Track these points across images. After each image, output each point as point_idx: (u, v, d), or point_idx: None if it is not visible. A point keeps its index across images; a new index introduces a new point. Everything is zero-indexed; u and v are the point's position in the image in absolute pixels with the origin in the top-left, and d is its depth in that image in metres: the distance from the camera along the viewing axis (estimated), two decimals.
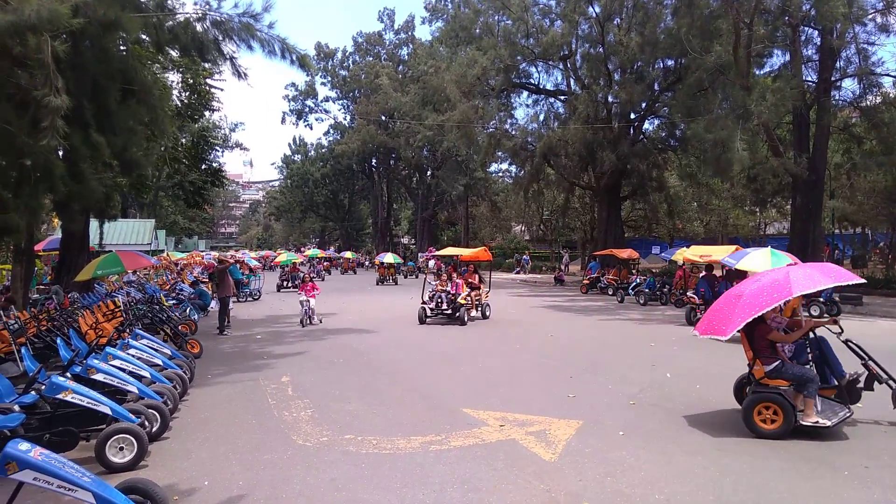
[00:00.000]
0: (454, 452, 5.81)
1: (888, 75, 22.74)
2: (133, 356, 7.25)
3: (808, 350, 6.77)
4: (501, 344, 12.59)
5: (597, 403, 7.63)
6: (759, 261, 12.99)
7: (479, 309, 16.65)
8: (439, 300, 15.63)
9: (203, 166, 32.25)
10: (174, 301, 16.14)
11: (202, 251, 56.35)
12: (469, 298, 16.03)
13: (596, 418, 6.90)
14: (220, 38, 12.01)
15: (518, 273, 42.87)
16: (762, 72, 25.67)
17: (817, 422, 6.11)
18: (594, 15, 30.15)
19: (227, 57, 12.20)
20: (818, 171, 22.65)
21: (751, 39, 20.28)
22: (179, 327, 11.96)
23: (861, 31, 21.78)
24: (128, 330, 9.01)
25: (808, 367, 6.58)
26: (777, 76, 24.06)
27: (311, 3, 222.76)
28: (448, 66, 37.52)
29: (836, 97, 23.63)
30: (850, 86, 23.95)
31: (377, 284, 33.22)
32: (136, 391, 6.32)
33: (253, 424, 6.88)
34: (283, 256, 37.65)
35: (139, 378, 6.71)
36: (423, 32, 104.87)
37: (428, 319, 15.56)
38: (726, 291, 7.40)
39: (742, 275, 14.96)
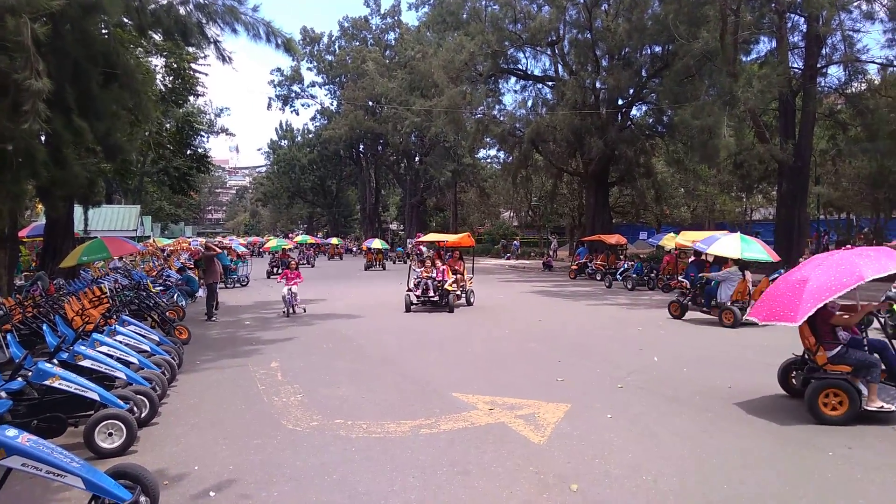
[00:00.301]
0: (444, 436, 5.84)
1: (873, 62, 22.95)
2: (120, 342, 7.20)
3: (865, 334, 6.63)
4: (490, 329, 12.65)
5: (585, 387, 7.70)
6: (729, 246, 13.32)
7: (464, 295, 16.62)
8: (425, 287, 15.44)
9: (188, 152, 31.90)
10: (161, 287, 16.01)
11: (189, 237, 55.96)
12: (455, 285, 15.88)
13: (584, 402, 6.97)
14: (204, 21, 11.85)
15: (508, 258, 42.98)
16: (749, 58, 25.78)
17: (882, 406, 6.06)
18: (582, 1, 30.03)
19: (211, 40, 12.04)
20: (804, 157, 22.85)
21: (737, 26, 20.34)
22: (167, 313, 11.88)
23: (847, 18, 21.95)
24: (115, 316, 8.94)
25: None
26: (763, 63, 24.15)
27: None
28: (435, 51, 37.30)
29: (822, 84, 23.81)
30: (835, 73, 24.15)
31: (365, 270, 33.69)
32: (125, 377, 6.29)
33: (242, 410, 6.88)
34: (273, 242, 36.84)
35: (127, 364, 6.66)
36: (410, 18, 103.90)
37: (413, 307, 15.36)
38: (783, 276, 7.31)
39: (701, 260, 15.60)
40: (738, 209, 42.23)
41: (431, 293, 15.40)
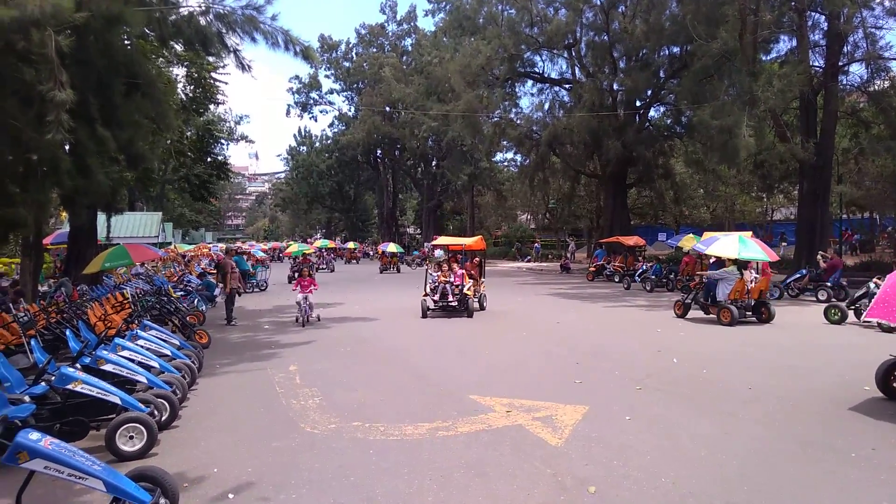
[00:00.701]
0: (461, 438, 5.85)
1: None
2: (142, 347, 7.31)
3: None
4: (507, 331, 12.62)
5: (603, 389, 7.66)
6: (728, 247, 13.56)
7: (478, 300, 16.26)
8: (444, 291, 15.03)
9: (208, 159, 32.34)
10: (182, 292, 16.24)
11: (209, 243, 56.58)
12: (472, 289, 15.57)
13: (602, 403, 6.93)
14: (224, 30, 12.00)
15: (528, 261, 42.77)
16: (768, 58, 25.48)
17: None
18: (598, 3, 29.96)
19: (231, 49, 12.18)
20: (826, 156, 22.51)
21: (757, 25, 20.14)
22: (187, 318, 12.03)
23: (869, 15, 21.60)
24: (136, 321, 9.09)
25: None
26: (784, 62, 23.88)
27: None
28: (452, 56, 37.43)
29: (844, 82, 23.44)
30: (857, 70, 23.73)
31: (380, 273, 34.33)
32: (146, 381, 6.39)
33: (261, 413, 6.94)
34: (294, 247, 35.42)
35: (148, 368, 6.77)
36: (426, 24, 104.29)
37: (430, 312, 15.03)
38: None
39: (722, 261, 15.26)
40: (759, 209, 41.71)
41: (451, 298, 15.01)
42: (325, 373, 8.92)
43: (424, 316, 14.88)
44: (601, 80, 30.80)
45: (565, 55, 33.75)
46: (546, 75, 35.46)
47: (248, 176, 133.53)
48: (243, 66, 12.25)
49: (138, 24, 10.68)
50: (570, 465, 5.11)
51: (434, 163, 58.79)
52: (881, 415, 6.37)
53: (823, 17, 22.61)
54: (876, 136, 23.71)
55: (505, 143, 38.51)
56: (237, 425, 6.48)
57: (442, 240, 18.24)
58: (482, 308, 16.27)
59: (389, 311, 16.31)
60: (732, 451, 5.37)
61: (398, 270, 35.71)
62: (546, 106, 35.51)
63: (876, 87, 23.22)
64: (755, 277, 13.58)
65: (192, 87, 25.57)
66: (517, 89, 38.05)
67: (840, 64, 22.45)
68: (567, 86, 34.61)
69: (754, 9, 19.95)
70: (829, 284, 16.75)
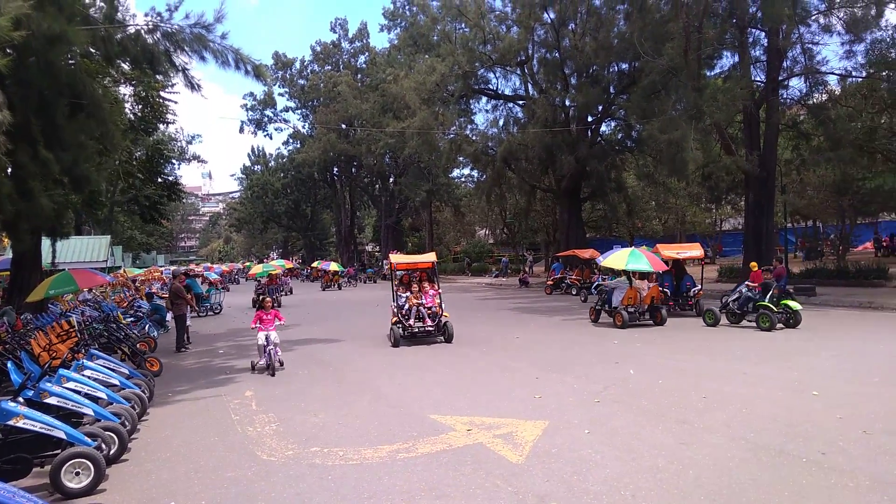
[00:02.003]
0: (422, 459, 5.79)
1: (832, 73, 23.55)
2: (88, 377, 7.04)
3: None
4: (467, 348, 12.60)
5: (563, 403, 7.70)
6: (618, 259, 15.53)
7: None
8: (419, 315, 13.42)
9: (159, 180, 31.57)
10: (132, 318, 15.73)
11: (161, 266, 55.13)
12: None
13: (562, 418, 6.97)
14: (172, 49, 11.83)
15: (497, 276, 42.82)
16: (713, 73, 26.32)
17: None
18: (549, 21, 30.57)
19: (180, 68, 12.02)
20: (769, 167, 23.32)
21: (700, 42, 20.83)
22: (138, 345, 11.66)
23: (805, 31, 22.51)
24: (83, 350, 8.74)
25: None
26: (727, 77, 24.69)
27: (270, 14, 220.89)
28: (406, 73, 37.59)
29: (784, 96, 24.35)
30: (796, 84, 24.69)
31: (322, 290, 36.80)
32: (92, 413, 6.14)
33: (215, 441, 6.74)
34: (259, 268, 31.80)
35: (95, 400, 6.52)
36: (377, 42, 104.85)
37: (403, 341, 13.23)
38: None
39: (680, 267, 17.63)
40: (708, 220, 42.96)
41: (429, 322, 13.40)
42: (283, 398, 8.74)
43: (396, 345, 12.99)
44: (553, 96, 31.36)
45: (518, 72, 34.29)
46: (500, 92, 35.96)
47: (201, 196, 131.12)
48: (192, 85, 12.08)
49: (82, 44, 10.43)
50: (531, 482, 5.11)
51: (392, 179, 58.79)
52: (828, 419, 6.58)
53: (763, 34, 23.51)
54: (816, 148, 24.67)
55: (461, 159, 38.77)
56: (190, 456, 6.27)
57: (397, 257, 16.63)
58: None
59: (350, 332, 16.14)
60: (689, 461, 5.46)
61: (339, 287, 38.22)
62: (501, 122, 35.99)
63: (814, 101, 24.21)
64: (649, 285, 15.48)
65: (140, 107, 25.00)
66: (472, 106, 38.49)
67: (780, 78, 23.35)
68: (521, 102, 35.13)
69: (698, 26, 20.65)
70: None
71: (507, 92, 35.98)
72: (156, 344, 13.66)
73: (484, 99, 37.40)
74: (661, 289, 16.79)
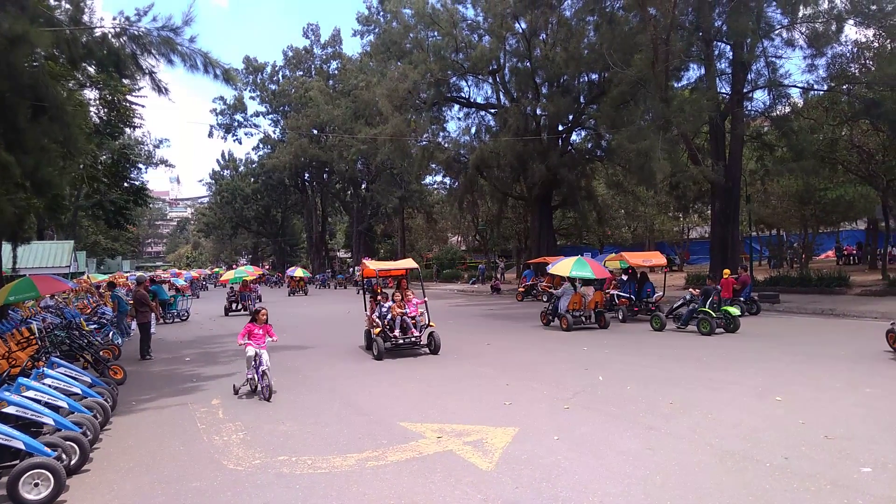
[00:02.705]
0: (391, 468, 5.76)
1: (795, 86, 24.21)
2: (49, 386, 6.84)
3: None
4: (440, 355, 12.58)
5: (532, 410, 7.74)
6: (564, 267, 16.59)
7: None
8: (404, 325, 12.65)
9: (125, 185, 30.93)
10: (96, 325, 15.36)
11: (126, 272, 53.97)
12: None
13: (532, 424, 7.00)
14: (139, 52, 11.60)
15: (474, 283, 42.86)
16: (680, 84, 26.84)
17: None
18: (521, 31, 30.87)
19: (147, 72, 11.78)
20: (734, 177, 23.84)
21: (668, 54, 21.22)
22: (101, 353, 11.39)
23: (769, 45, 23.12)
24: (43, 358, 8.51)
25: None
26: (694, 88, 25.20)
27: (241, 18, 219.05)
28: (379, 80, 37.57)
29: (749, 108, 24.93)
30: (761, 97, 25.33)
31: (289, 296, 38.23)
32: (53, 423, 5.97)
33: (180, 451, 6.61)
34: (231, 273, 29.53)
35: (56, 409, 6.34)
36: (351, 47, 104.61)
37: (385, 354, 12.30)
38: None
39: (634, 276, 18.56)
40: (676, 228, 43.68)
41: (415, 333, 12.73)
42: (250, 406, 8.62)
43: (380, 358, 12.04)
44: (525, 105, 31.64)
45: (490, 81, 34.51)
46: (472, 100, 36.17)
47: (168, 201, 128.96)
48: (160, 89, 11.87)
49: (45, 45, 10.18)
50: (501, 490, 5.12)
51: (364, 186, 58.58)
52: (790, 424, 6.73)
53: (729, 47, 24.06)
54: (779, 159, 25.29)
55: (434, 166, 38.83)
56: (154, 466, 6.14)
57: (375, 264, 15.76)
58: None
59: (320, 337, 16.00)
60: (656, 467, 5.53)
61: (305, 293, 39.63)
62: (473, 130, 36.18)
63: (778, 113, 24.86)
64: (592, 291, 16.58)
65: (106, 111, 24.49)
66: (444, 113, 38.56)
67: (745, 91, 23.92)
68: (493, 110, 35.34)
69: (665, 38, 21.04)
70: (741, 299, 17.67)
71: (480, 100, 36.23)
72: (120, 352, 13.36)
73: (456, 107, 37.58)
74: (626, 295, 17.90)
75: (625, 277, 19.02)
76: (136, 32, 11.51)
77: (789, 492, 4.89)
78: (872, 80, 20.11)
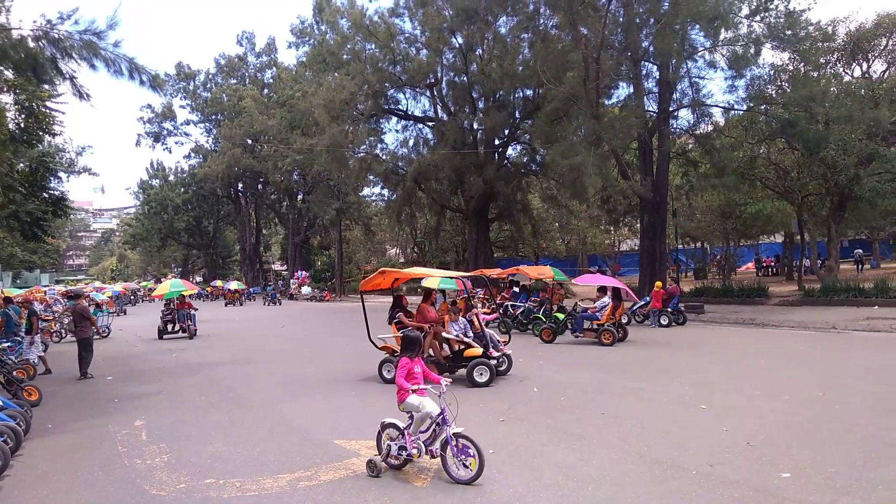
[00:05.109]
0: (324, 487, 5.63)
1: (717, 106, 25.48)
2: None
3: None
4: (376, 371, 12.41)
5: (468, 423, 7.64)
6: (433, 280, 17.34)
7: None
8: (488, 344, 10.71)
9: (44, 195, 29.24)
10: (8, 343, 14.41)
11: (45, 286, 51.03)
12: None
13: None
14: (59, 56, 11.07)
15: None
16: (610, 102, 27.75)
17: None
18: (458, 45, 31.23)
19: (67, 76, 11.25)
20: (661, 192, 24.78)
21: (599, 72, 21.91)
22: (14, 373, 10.69)
23: (693, 66, 24.26)
24: None
25: None
26: (623, 106, 26.11)
27: (176, 25, 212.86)
28: (315, 90, 37.18)
29: (674, 125, 26.03)
30: (685, 115, 26.45)
31: (225, 306, 40.62)
32: None
33: (99, 476, 6.26)
34: (166, 287, 23.70)
35: None
36: (287, 57, 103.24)
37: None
38: None
39: (526, 288, 20.95)
40: (608, 241, 45.01)
41: (494, 353, 10.72)
42: (177, 426, 8.26)
43: (488, 384, 10.06)
44: (462, 119, 31.99)
45: (428, 94, 34.72)
46: (410, 112, 36.27)
47: (92, 211, 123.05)
48: (81, 95, 11.35)
49: None
50: None
51: (300, 197, 57.60)
52: (715, 431, 6.98)
53: (656, 67, 25.05)
54: (703, 175, 26.47)
55: (372, 177, 38.65)
56: (71, 493, 5.79)
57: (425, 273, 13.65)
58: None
59: (253, 350, 15.55)
60: (588, 477, 5.62)
61: (241, 304, 42.53)
62: (411, 142, 36.30)
63: (701, 131, 26.08)
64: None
65: (23, 117, 23.15)
66: (382, 125, 38.51)
67: (671, 109, 24.96)
68: (430, 123, 35.54)
69: (596, 57, 21.72)
70: (669, 310, 18.32)
71: (417, 113, 36.39)
72: (35, 371, 12.60)
73: (394, 119, 37.60)
74: (520, 305, 19.71)
75: (517, 289, 21.04)
76: (56, 36, 10.99)
77: (714, 499, 5.05)
78: (788, 101, 21.35)
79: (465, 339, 10.76)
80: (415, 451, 5.70)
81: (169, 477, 6.12)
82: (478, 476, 5.45)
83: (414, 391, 5.87)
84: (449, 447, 5.61)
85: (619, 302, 15.21)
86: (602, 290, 16.19)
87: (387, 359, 11.01)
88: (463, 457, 5.55)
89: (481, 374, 10.19)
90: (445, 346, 10.94)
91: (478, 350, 10.52)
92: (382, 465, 5.86)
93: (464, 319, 11.18)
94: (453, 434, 5.59)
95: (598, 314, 15.47)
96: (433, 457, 5.73)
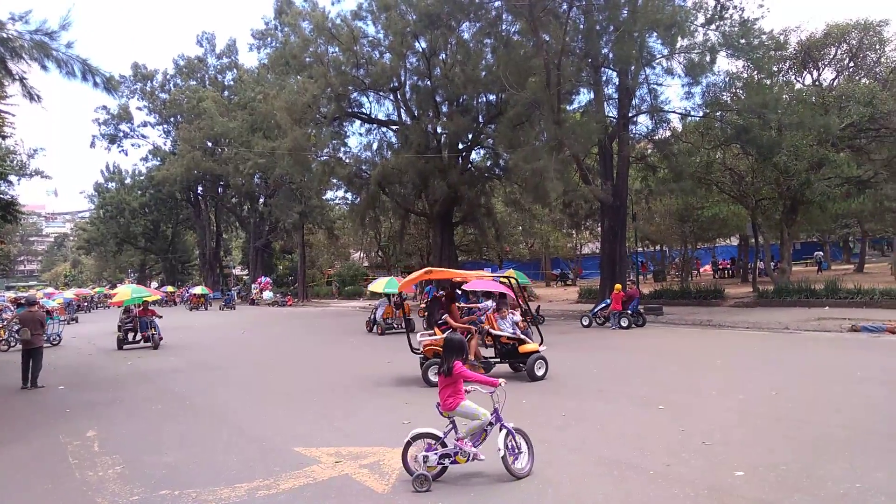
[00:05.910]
0: (283, 496, 5.54)
1: (675, 112, 26.08)
2: None
3: None
4: (339, 376, 12.34)
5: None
6: (379, 284, 21.96)
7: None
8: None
9: None
10: None
11: None
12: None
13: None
14: (9, 56, 10.73)
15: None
16: (572, 107, 28.14)
17: None
18: (421, 50, 31.24)
19: (17, 77, 10.90)
20: (621, 196, 25.22)
21: (560, 78, 22.21)
22: None
23: (651, 73, 24.81)
24: None
25: None
26: (584, 112, 26.51)
27: (134, 25, 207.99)
28: (277, 93, 36.74)
29: (633, 131, 26.52)
30: (644, 121, 26.99)
31: (190, 311, 41.54)
32: None
33: (48, 490, 6.04)
34: (127, 294, 21.30)
35: None
36: (248, 59, 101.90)
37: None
38: None
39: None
40: (570, 244, 45.59)
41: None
42: (131, 436, 8.04)
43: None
44: (426, 123, 32.00)
45: (391, 97, 34.62)
46: (374, 116, 36.08)
47: (45, 215, 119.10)
48: (31, 96, 11.02)
49: None
50: None
51: (261, 200, 56.79)
52: (672, 431, 7.12)
53: (615, 74, 25.52)
54: (661, 179, 27.07)
55: (335, 181, 38.31)
56: None
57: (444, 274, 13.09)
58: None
59: (212, 358, 15.25)
60: (548, 480, 5.66)
61: (206, 308, 43.11)
62: (374, 146, 36.15)
63: (659, 136, 26.64)
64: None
65: None
66: (345, 128, 38.18)
67: (630, 115, 25.44)
68: (394, 127, 35.44)
69: (557, 63, 22.01)
70: (629, 312, 18.64)
71: (381, 116, 36.23)
72: None
73: (357, 122, 37.34)
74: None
75: (459, 292, 20.72)
76: (5, 35, 10.64)
77: (670, 498, 5.13)
78: (742, 107, 21.99)
79: (520, 336, 11.35)
80: (465, 455, 5.67)
81: (122, 489, 5.94)
82: (532, 467, 5.74)
83: (469, 390, 6.00)
84: (508, 440, 5.75)
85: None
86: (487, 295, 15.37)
87: (432, 361, 10.63)
88: (517, 451, 5.78)
89: (540, 367, 10.91)
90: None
91: (533, 345, 11.17)
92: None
93: (511, 317, 11.76)
94: (508, 444, 5.74)
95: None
96: (479, 459, 5.74)
